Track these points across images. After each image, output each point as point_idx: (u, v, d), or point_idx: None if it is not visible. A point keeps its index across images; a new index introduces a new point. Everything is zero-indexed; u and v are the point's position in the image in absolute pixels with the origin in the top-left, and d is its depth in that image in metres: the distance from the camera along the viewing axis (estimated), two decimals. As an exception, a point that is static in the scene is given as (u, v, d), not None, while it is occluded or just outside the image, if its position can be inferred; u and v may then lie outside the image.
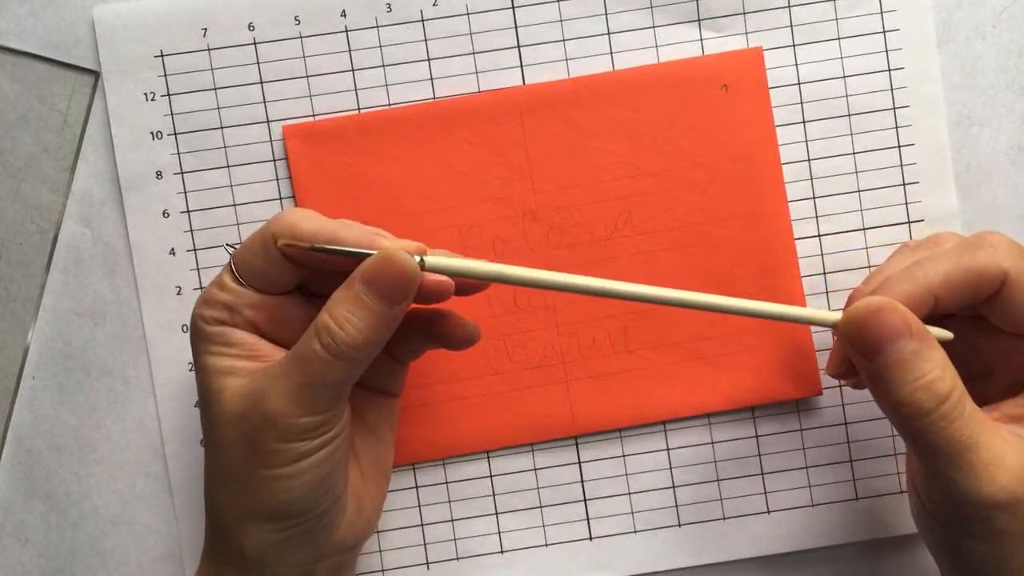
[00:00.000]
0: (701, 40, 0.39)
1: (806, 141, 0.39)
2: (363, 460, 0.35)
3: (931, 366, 0.29)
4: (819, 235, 0.39)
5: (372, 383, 0.35)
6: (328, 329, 0.29)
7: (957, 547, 0.31)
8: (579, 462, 0.39)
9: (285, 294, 0.32)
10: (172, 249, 0.39)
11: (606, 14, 0.39)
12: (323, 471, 0.31)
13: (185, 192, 0.39)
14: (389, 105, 0.39)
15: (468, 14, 0.39)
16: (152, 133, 0.39)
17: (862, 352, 0.30)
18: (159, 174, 0.39)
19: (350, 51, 0.39)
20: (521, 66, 0.39)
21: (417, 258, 0.30)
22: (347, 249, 0.30)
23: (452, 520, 0.39)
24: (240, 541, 0.31)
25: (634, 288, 0.31)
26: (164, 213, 0.39)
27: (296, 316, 0.33)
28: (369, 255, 0.30)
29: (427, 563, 0.39)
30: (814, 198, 0.39)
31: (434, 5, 0.39)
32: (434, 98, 0.39)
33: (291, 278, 0.32)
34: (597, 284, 0.31)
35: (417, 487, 0.39)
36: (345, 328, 0.29)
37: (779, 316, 0.31)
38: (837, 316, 0.31)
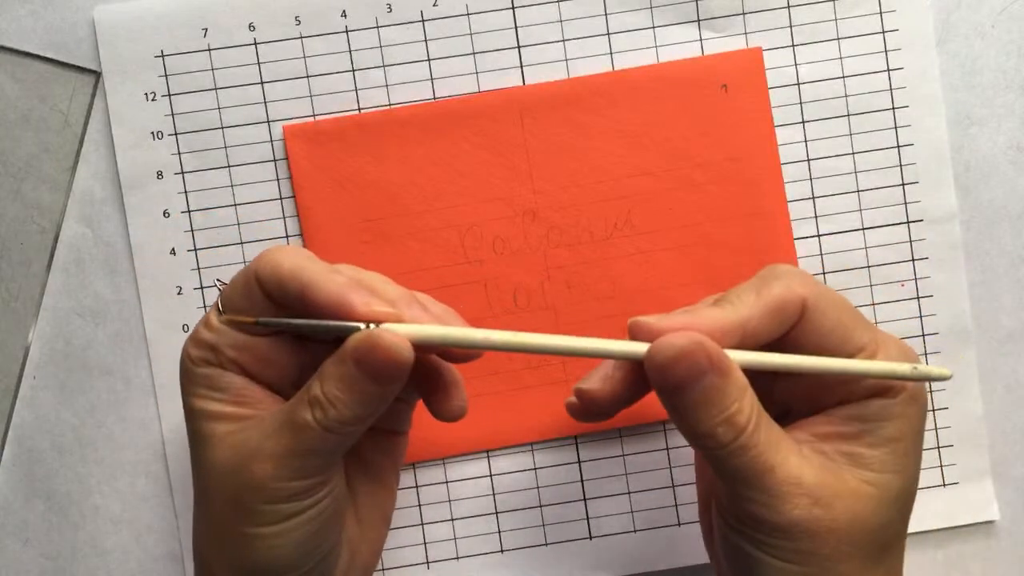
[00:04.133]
0: (701, 40, 0.39)
1: (805, 141, 0.39)
2: (361, 506, 0.34)
3: (731, 400, 0.28)
4: (819, 235, 0.39)
5: (376, 423, 0.33)
6: (319, 403, 0.29)
7: (760, 565, 0.30)
8: (579, 462, 0.39)
9: (273, 335, 0.31)
10: (173, 249, 0.39)
11: (606, 14, 0.39)
12: (311, 529, 0.30)
13: (186, 192, 0.39)
14: (389, 105, 0.39)
15: (468, 14, 0.39)
16: (153, 133, 0.39)
17: (664, 390, 0.29)
18: (159, 174, 0.39)
19: (350, 51, 0.39)
20: (521, 66, 0.39)
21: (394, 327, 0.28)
22: (295, 322, 0.29)
23: (452, 520, 0.39)
24: None
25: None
26: (165, 213, 0.39)
27: (284, 358, 0.31)
28: (317, 325, 0.29)
29: (427, 563, 0.39)
30: (814, 198, 0.39)
31: (434, 5, 0.39)
32: (434, 98, 0.39)
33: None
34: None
35: (417, 487, 0.39)
36: (336, 406, 0.28)
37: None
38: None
